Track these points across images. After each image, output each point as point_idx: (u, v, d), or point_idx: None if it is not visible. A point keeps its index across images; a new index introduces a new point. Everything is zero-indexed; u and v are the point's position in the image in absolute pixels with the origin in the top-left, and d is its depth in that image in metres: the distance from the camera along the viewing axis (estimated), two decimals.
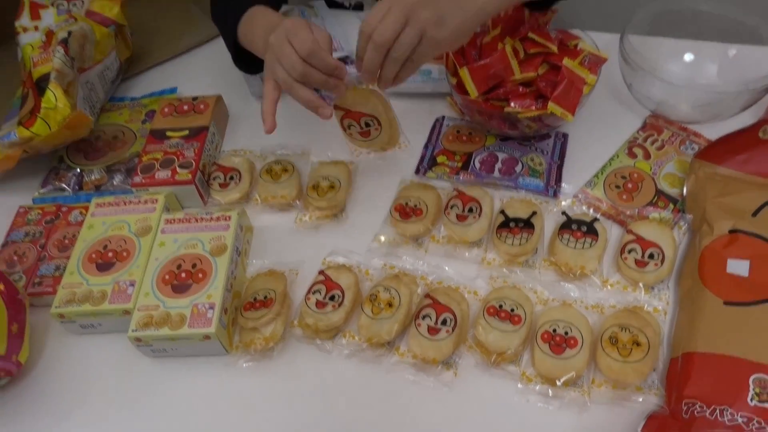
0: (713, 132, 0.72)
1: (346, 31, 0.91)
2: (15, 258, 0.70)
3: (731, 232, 0.60)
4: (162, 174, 0.73)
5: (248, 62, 0.77)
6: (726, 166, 0.67)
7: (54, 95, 0.69)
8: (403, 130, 0.75)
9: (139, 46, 0.94)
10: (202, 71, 0.94)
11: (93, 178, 0.78)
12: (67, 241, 0.71)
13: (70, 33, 0.74)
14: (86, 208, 0.73)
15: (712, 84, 0.70)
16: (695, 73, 0.77)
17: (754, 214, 0.61)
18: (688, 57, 0.78)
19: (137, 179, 0.73)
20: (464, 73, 0.68)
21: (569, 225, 0.66)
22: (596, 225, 0.66)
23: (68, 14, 0.78)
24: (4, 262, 0.70)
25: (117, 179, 0.78)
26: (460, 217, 0.68)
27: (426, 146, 0.78)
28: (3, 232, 0.74)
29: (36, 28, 0.78)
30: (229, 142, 0.83)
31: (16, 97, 0.86)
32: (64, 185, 0.78)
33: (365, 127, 0.73)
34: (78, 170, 0.79)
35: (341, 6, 1.02)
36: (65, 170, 0.79)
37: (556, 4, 0.67)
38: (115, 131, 0.83)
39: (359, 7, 1.00)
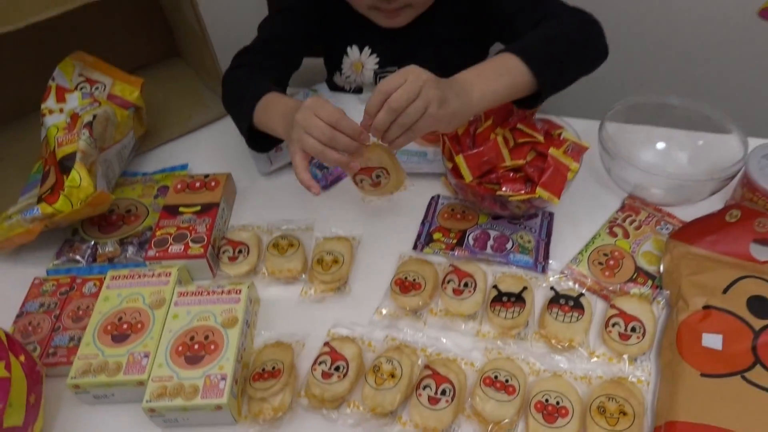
0: (685, 214, 0.79)
1: (348, 112, 0.98)
2: (30, 328, 0.73)
3: (705, 308, 0.66)
4: (175, 248, 0.77)
5: (260, 143, 0.85)
6: (698, 246, 0.73)
7: (79, 175, 0.74)
8: (405, 172, 0.83)
9: (151, 123, 1.00)
10: (210, 148, 1.00)
11: (107, 250, 0.82)
12: (81, 312, 0.74)
13: (95, 116, 0.80)
14: (100, 280, 0.76)
15: (683, 172, 0.77)
16: (667, 160, 0.85)
17: (725, 291, 0.67)
18: (660, 145, 0.86)
19: (151, 253, 0.78)
20: (460, 159, 0.74)
21: (557, 300, 0.71)
22: (582, 300, 0.71)
23: (92, 98, 0.84)
24: (19, 333, 0.73)
25: (130, 252, 0.82)
26: (456, 292, 0.73)
27: (423, 223, 0.83)
28: (18, 302, 0.77)
29: (61, 110, 0.83)
30: (237, 217, 0.88)
31: (33, 172, 0.91)
32: (78, 257, 0.82)
33: (376, 179, 0.82)
34: (92, 243, 0.83)
35: (342, 89, 1.10)
36: (79, 242, 0.83)
37: (539, 104, 0.75)
38: (129, 205, 0.88)
39: (359, 90, 1.08)
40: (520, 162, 0.75)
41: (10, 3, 0.76)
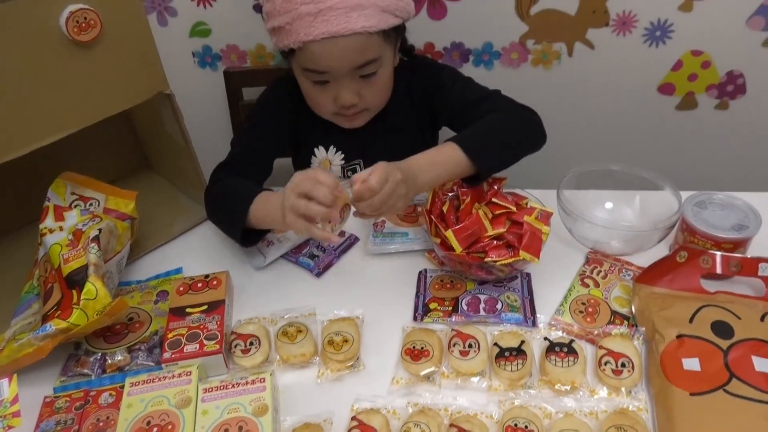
0: (641, 260, 0.92)
1: None
2: None
3: (678, 337, 0.77)
4: (190, 348, 0.80)
5: (249, 239, 0.93)
6: (659, 286, 0.85)
7: (95, 287, 0.77)
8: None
9: (137, 231, 1.03)
10: (197, 251, 1.04)
11: (117, 359, 0.83)
12: (101, 424, 0.74)
13: (100, 230, 0.83)
14: (116, 390, 0.77)
15: (633, 225, 0.91)
16: (617, 216, 0.98)
17: (690, 320, 0.78)
18: (608, 205, 1.00)
19: (167, 355, 0.80)
20: (450, 234, 0.84)
21: (553, 348, 0.80)
22: (574, 345, 0.80)
23: (91, 214, 0.87)
24: None
25: (141, 358, 0.83)
26: (463, 353, 0.80)
27: (417, 295, 0.91)
28: (30, 426, 0.75)
29: (61, 228, 0.86)
30: (238, 312, 0.92)
31: (25, 291, 0.91)
32: (86, 370, 0.82)
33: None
34: (100, 354, 0.84)
35: None
36: (85, 355, 0.84)
37: (481, 183, 0.91)
38: (130, 314, 0.90)
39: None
40: (501, 230, 0.86)
41: (4, 131, 0.80)
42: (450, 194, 0.93)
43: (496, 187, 0.91)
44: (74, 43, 0.79)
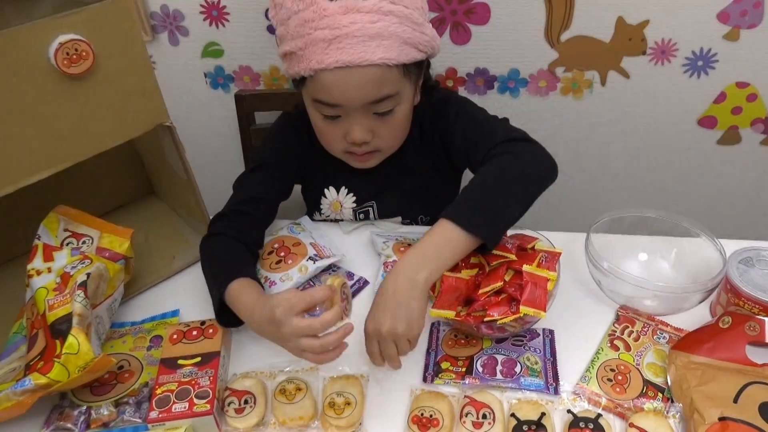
0: (677, 319, 0.83)
1: (332, 240, 1.00)
2: None
3: (721, 419, 0.68)
4: (179, 407, 0.74)
5: (230, 319, 0.85)
6: (698, 355, 0.76)
7: (77, 341, 0.71)
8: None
9: (135, 266, 0.98)
10: (198, 290, 0.97)
11: (102, 414, 0.77)
12: None
13: (88, 275, 0.78)
14: None
15: (671, 284, 0.81)
16: (652, 270, 0.90)
17: (735, 400, 0.69)
18: (642, 256, 0.91)
19: (153, 414, 0.73)
20: (434, 313, 0.79)
21: (577, 423, 0.71)
22: (601, 421, 0.71)
23: (82, 255, 0.82)
24: None
25: (128, 413, 0.77)
26: (476, 425, 0.72)
27: (428, 352, 0.84)
28: None
29: (49, 269, 0.81)
30: (236, 362, 0.85)
31: (13, 332, 0.86)
32: (69, 425, 0.76)
33: None
34: (84, 407, 0.78)
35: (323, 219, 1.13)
36: (70, 408, 0.78)
37: (493, 248, 0.82)
38: (121, 361, 0.84)
39: (338, 218, 1.12)
40: (498, 285, 0.78)
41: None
42: None
43: None
44: (65, 76, 0.74)
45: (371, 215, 1.08)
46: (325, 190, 1.06)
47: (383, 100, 0.87)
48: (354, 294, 0.94)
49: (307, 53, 0.84)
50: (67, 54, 0.72)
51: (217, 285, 0.84)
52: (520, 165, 0.84)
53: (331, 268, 0.98)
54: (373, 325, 0.75)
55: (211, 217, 0.97)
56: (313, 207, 1.10)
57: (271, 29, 1.23)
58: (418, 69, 0.92)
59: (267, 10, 1.20)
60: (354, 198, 1.05)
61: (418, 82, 0.95)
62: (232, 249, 0.92)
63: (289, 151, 1.02)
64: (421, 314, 0.75)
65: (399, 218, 1.08)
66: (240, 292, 0.82)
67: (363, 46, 0.82)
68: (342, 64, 0.82)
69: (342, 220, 1.10)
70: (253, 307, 0.79)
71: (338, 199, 1.06)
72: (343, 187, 1.05)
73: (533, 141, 0.88)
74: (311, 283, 0.95)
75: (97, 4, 0.75)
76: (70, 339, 0.72)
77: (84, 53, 0.73)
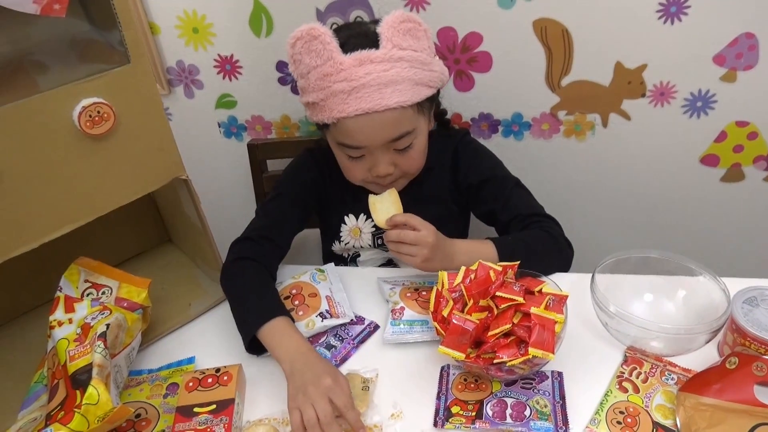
0: (685, 360, 0.84)
1: (349, 295, 1.03)
2: None
3: None
4: None
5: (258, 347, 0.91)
6: (707, 396, 0.76)
7: (97, 391, 0.73)
8: None
9: (152, 313, 1.00)
10: (213, 335, 1.00)
11: None
12: None
13: (108, 326, 0.81)
14: None
15: (676, 326, 0.82)
16: (658, 311, 0.91)
17: None
18: (648, 297, 0.92)
19: None
20: (442, 350, 0.80)
21: None
22: None
23: (102, 306, 0.85)
24: None
25: None
26: None
27: (438, 397, 0.85)
28: None
29: (70, 320, 0.84)
30: (250, 408, 0.87)
31: (34, 381, 0.89)
32: None
33: None
34: None
35: (340, 257, 1.16)
36: None
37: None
38: (138, 409, 0.86)
39: (357, 255, 1.15)
40: (507, 327, 0.80)
41: (19, 224, 0.79)
42: (454, 294, 0.87)
43: (503, 278, 0.85)
44: (88, 136, 0.78)
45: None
46: (345, 218, 1.12)
47: (402, 137, 0.96)
48: (363, 340, 0.96)
49: (328, 104, 0.92)
50: (90, 116, 0.76)
51: (251, 316, 0.89)
52: (556, 251, 1.01)
53: (337, 329, 0.98)
54: (431, 233, 0.91)
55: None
56: (331, 238, 1.14)
57: (282, 81, 1.28)
58: (431, 102, 1.00)
59: (278, 63, 1.25)
60: (373, 224, 1.10)
61: (431, 111, 1.03)
62: (261, 275, 0.97)
63: (308, 182, 1.10)
64: (436, 269, 0.91)
65: None
66: (282, 332, 0.88)
67: (379, 93, 0.89)
68: (361, 111, 0.90)
69: (360, 256, 1.14)
70: (297, 348, 0.85)
71: (358, 225, 1.12)
72: (362, 214, 1.11)
73: (570, 244, 1.04)
74: (326, 332, 0.97)
75: (119, 68, 0.79)
76: (90, 389, 0.74)
77: (106, 115, 0.78)
